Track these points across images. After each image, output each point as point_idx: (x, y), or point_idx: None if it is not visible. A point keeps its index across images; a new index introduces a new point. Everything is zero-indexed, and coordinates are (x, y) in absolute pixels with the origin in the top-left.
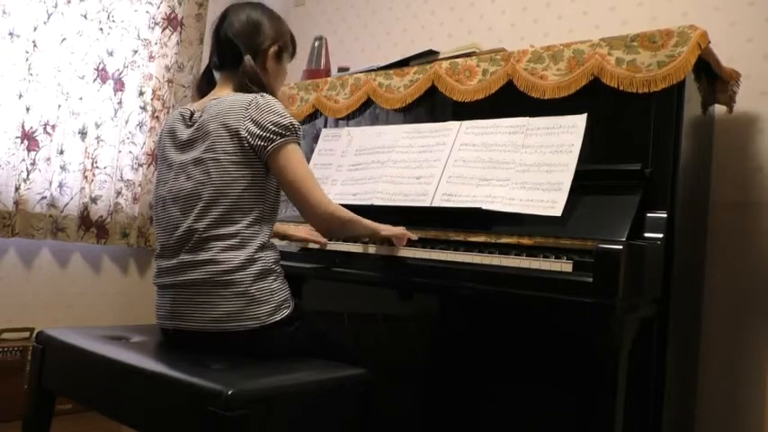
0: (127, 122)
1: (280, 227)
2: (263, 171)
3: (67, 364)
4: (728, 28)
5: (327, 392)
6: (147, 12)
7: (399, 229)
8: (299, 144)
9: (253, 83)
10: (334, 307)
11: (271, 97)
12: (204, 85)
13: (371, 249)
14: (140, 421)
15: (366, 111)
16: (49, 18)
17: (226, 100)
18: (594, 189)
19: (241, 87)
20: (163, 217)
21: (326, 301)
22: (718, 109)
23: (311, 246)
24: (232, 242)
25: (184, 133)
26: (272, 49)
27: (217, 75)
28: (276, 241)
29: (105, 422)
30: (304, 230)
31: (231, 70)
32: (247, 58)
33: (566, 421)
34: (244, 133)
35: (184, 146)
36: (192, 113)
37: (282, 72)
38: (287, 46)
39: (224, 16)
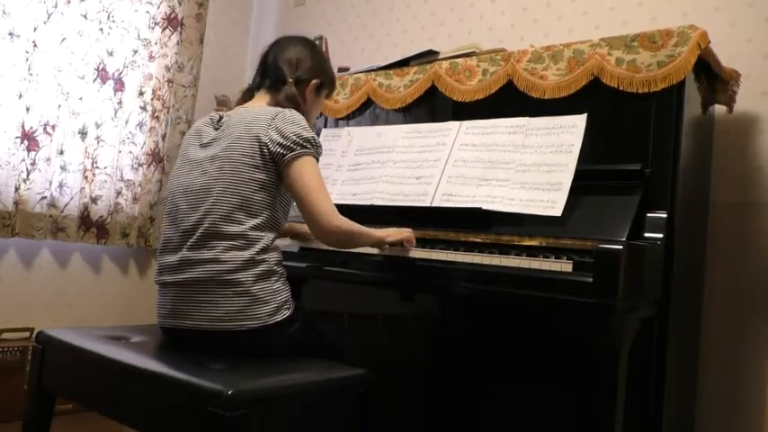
0: (127, 122)
1: (297, 226)
2: (276, 179)
3: (67, 365)
4: (728, 28)
5: (327, 392)
6: (147, 12)
7: (404, 234)
8: (317, 159)
9: (291, 104)
10: (334, 307)
11: (297, 112)
12: (243, 101)
13: (371, 249)
14: (140, 421)
15: (366, 111)
16: (49, 18)
17: (255, 109)
18: (594, 189)
19: (276, 105)
20: (171, 209)
21: (326, 301)
22: (718, 109)
23: (313, 246)
24: (236, 242)
25: (210, 134)
26: (314, 82)
27: (256, 93)
28: (282, 241)
29: (105, 422)
30: None
31: (271, 90)
32: (291, 83)
33: (566, 421)
34: (265, 139)
35: (206, 145)
36: (221, 117)
37: (318, 106)
38: (328, 84)
39: (275, 44)
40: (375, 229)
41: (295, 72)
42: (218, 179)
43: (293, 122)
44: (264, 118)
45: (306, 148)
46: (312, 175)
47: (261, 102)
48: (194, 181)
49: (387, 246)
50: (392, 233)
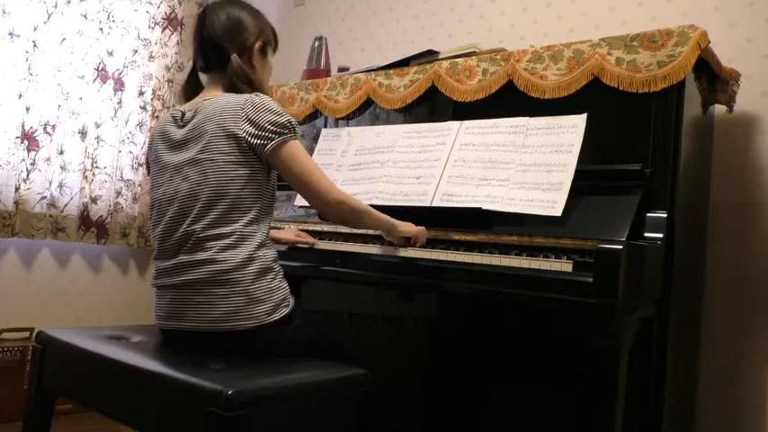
0: (127, 122)
1: (276, 233)
2: (260, 169)
3: (67, 364)
4: (728, 28)
5: (327, 392)
6: (147, 12)
7: (418, 228)
8: (298, 140)
9: (242, 81)
10: (334, 307)
11: (265, 96)
12: (190, 89)
13: (372, 249)
14: (140, 421)
15: (366, 111)
16: (49, 18)
17: (220, 100)
18: (594, 189)
19: (231, 87)
20: (160, 220)
21: (326, 301)
22: (719, 109)
23: (301, 245)
24: (230, 241)
25: (177, 134)
26: (257, 45)
27: (203, 77)
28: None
29: (105, 422)
30: (291, 233)
31: (218, 71)
32: (234, 57)
33: (566, 421)
34: (241, 134)
35: (178, 146)
36: (184, 114)
37: (268, 66)
38: (270, 40)
39: (203, 17)
40: (387, 216)
41: (236, 43)
42: (202, 184)
43: (264, 109)
44: (233, 108)
45: (284, 134)
46: (301, 159)
47: (216, 89)
48: (178, 188)
49: (397, 236)
50: (408, 225)
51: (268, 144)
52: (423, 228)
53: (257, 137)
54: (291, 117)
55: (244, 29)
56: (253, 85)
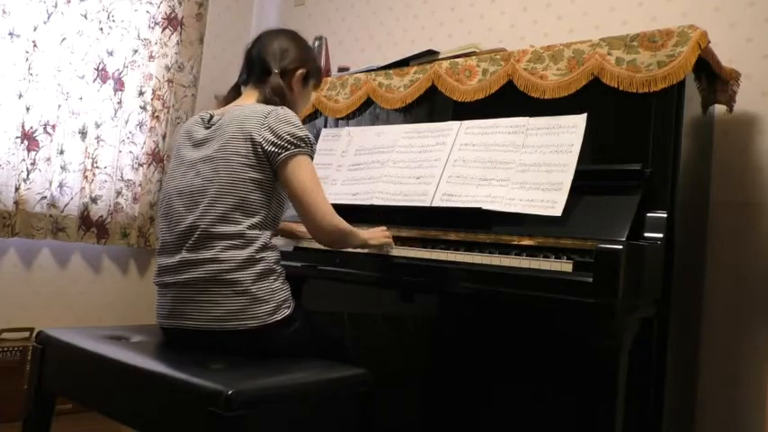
0: (127, 122)
1: (288, 225)
2: (272, 178)
3: (67, 364)
4: (728, 28)
5: (327, 392)
6: (147, 11)
7: (382, 236)
8: (311, 157)
9: (277, 96)
10: (334, 307)
11: (290, 111)
12: (231, 97)
13: (372, 250)
14: (140, 421)
15: (366, 111)
16: (49, 18)
17: (247, 107)
18: (594, 189)
19: (265, 99)
20: (167, 212)
21: (326, 301)
22: (719, 109)
23: (306, 245)
24: (234, 242)
25: (201, 133)
26: (300, 72)
27: (243, 90)
28: (276, 240)
29: (105, 422)
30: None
31: (257, 84)
32: (275, 73)
33: (566, 421)
34: (258, 139)
35: (198, 145)
36: (212, 116)
37: (307, 97)
38: (314, 74)
39: (259, 38)
40: (360, 230)
41: (279, 63)
42: (213, 180)
43: (286, 121)
44: (257, 116)
45: (300, 147)
46: (308, 175)
47: (250, 98)
48: (190, 182)
49: (371, 246)
50: (375, 236)
51: (282, 153)
52: (383, 231)
53: (274, 144)
54: (310, 135)
55: (290, 53)
56: (285, 102)
